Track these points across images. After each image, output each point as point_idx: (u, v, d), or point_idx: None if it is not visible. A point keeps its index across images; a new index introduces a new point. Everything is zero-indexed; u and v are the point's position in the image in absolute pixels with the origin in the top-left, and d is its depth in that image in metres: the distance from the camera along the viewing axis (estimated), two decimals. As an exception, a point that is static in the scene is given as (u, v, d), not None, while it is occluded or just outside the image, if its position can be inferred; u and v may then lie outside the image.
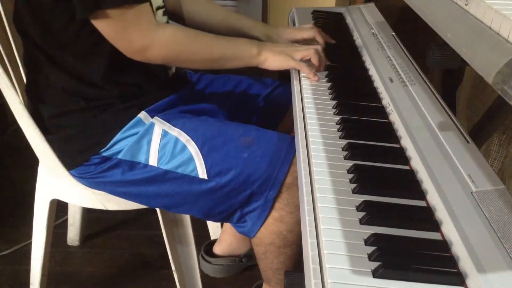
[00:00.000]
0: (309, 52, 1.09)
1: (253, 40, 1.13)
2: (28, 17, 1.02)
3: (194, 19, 1.25)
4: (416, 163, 0.77)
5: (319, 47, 1.11)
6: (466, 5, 0.74)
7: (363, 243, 0.63)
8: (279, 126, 1.31)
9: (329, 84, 1.05)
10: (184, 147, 1.03)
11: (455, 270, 0.59)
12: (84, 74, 1.04)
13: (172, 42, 1.02)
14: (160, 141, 1.04)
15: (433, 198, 0.70)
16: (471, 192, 0.69)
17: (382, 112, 0.95)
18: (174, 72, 1.19)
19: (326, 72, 1.10)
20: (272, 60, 1.08)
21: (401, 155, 0.81)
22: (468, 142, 0.80)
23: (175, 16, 1.25)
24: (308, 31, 1.23)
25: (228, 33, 1.21)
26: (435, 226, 0.66)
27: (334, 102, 0.97)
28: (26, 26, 1.04)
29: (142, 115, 1.07)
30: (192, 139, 1.03)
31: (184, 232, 1.26)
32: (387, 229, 0.65)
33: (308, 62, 1.10)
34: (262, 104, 1.33)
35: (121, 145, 1.05)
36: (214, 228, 1.59)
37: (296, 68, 1.10)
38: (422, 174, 0.74)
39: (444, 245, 0.63)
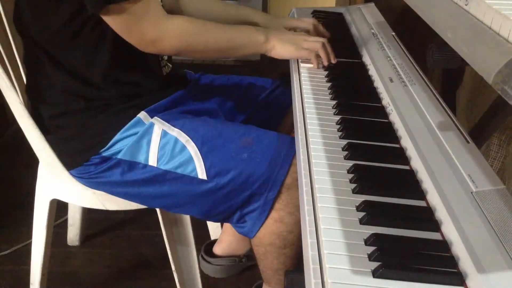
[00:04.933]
0: (317, 45, 1.09)
1: (260, 27, 1.13)
2: (28, 16, 1.02)
3: (192, 15, 1.26)
4: (416, 163, 0.77)
5: (326, 41, 1.11)
6: (466, 5, 0.73)
7: (363, 243, 0.63)
8: (279, 126, 1.31)
9: (329, 84, 1.05)
10: (183, 147, 1.03)
11: (455, 270, 0.59)
12: (85, 74, 1.04)
13: (182, 32, 1.02)
14: (160, 141, 1.04)
15: (433, 198, 0.70)
16: (471, 192, 0.69)
17: (382, 112, 0.95)
18: (170, 70, 1.19)
19: (326, 72, 1.10)
20: (281, 48, 1.08)
21: (401, 155, 0.81)
22: (468, 142, 0.80)
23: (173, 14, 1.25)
24: (305, 22, 1.26)
25: (229, 23, 1.21)
26: (435, 226, 0.66)
27: (334, 102, 0.97)
28: (26, 25, 1.04)
29: (142, 115, 1.07)
30: (191, 140, 1.03)
31: (184, 232, 1.26)
32: (387, 229, 0.65)
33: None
34: (262, 104, 1.33)
35: (120, 145, 1.05)
36: (214, 228, 1.59)
37: (305, 58, 1.10)
38: (422, 174, 0.74)
39: (444, 245, 0.63)
